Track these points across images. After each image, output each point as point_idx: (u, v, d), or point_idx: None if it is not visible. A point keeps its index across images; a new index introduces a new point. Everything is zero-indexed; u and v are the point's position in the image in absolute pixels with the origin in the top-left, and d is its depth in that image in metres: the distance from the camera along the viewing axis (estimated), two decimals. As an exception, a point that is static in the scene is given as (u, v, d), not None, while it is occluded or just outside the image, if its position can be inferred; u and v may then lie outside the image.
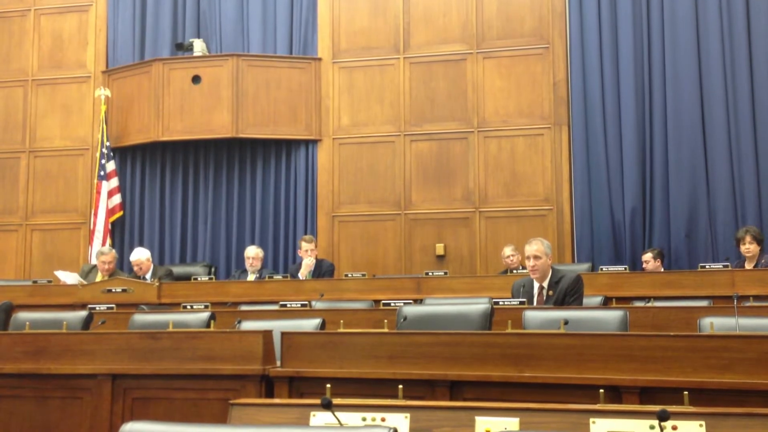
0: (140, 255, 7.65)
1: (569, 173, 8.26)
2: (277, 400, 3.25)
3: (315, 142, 8.90)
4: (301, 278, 7.35)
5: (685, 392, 2.49)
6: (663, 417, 2.11)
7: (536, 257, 5.29)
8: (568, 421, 2.40)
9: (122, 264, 9.01)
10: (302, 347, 3.53)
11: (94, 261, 8.16)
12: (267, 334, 3.66)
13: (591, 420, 2.37)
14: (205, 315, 4.72)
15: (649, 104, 8.11)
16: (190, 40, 9.10)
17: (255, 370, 3.53)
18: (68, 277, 7.47)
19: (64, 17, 9.65)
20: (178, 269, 8.14)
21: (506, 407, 2.50)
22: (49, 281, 7.59)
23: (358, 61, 8.91)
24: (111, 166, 9.01)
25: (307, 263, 7.52)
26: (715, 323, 3.76)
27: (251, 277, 7.76)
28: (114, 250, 8.08)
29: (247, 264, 7.87)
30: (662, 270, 7.28)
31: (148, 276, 7.51)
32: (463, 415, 2.49)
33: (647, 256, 7.38)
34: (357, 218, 8.74)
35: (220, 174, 9.06)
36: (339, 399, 2.54)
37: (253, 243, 8.46)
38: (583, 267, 7.37)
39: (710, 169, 7.90)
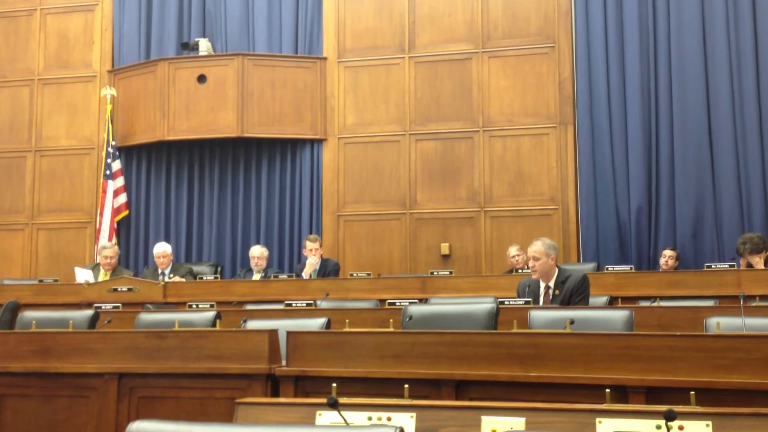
0: (165, 248, 7.97)
1: (575, 173, 8.25)
2: (283, 399, 3.26)
3: (320, 141, 8.90)
4: (304, 277, 7.35)
5: (692, 392, 2.49)
6: (670, 417, 2.11)
7: (535, 258, 5.30)
8: (574, 421, 2.39)
9: (128, 262, 9.05)
10: (308, 346, 3.53)
11: (96, 260, 8.23)
12: (272, 334, 3.66)
13: (597, 420, 2.37)
14: (211, 314, 4.72)
15: (655, 103, 8.10)
16: (196, 39, 9.11)
17: (261, 369, 3.53)
18: (85, 273, 7.57)
19: (70, 17, 9.67)
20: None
21: (512, 407, 2.50)
22: (56, 280, 7.63)
23: (364, 61, 8.91)
24: (117, 165, 9.03)
25: (311, 262, 7.52)
26: (721, 323, 3.75)
27: (256, 277, 7.78)
28: (116, 246, 8.22)
29: (252, 263, 7.89)
30: (674, 270, 7.27)
31: (167, 270, 7.78)
32: (469, 414, 2.49)
33: (671, 253, 7.35)
34: (362, 218, 8.74)
35: (225, 173, 9.07)
36: (345, 398, 2.54)
37: (258, 242, 8.48)
38: (589, 267, 7.37)
39: (716, 169, 7.88)
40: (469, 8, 8.71)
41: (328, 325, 4.42)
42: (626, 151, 8.10)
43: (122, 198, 9.08)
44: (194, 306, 5.52)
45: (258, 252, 7.90)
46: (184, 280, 7.58)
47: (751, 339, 3.04)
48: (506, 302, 5.06)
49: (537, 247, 5.32)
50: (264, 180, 8.98)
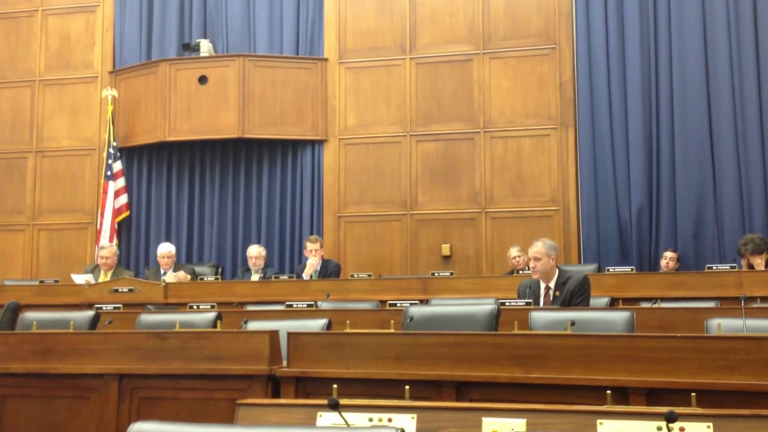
0: (169, 248, 8.00)
1: (575, 174, 8.25)
2: (283, 401, 3.25)
3: (321, 142, 8.90)
4: (304, 278, 7.35)
5: (693, 393, 2.49)
6: (671, 418, 2.10)
7: (536, 258, 5.31)
8: (575, 422, 2.39)
9: (129, 262, 9.05)
10: (308, 347, 3.53)
11: (96, 260, 8.25)
12: (273, 335, 3.66)
13: (598, 421, 2.36)
14: (212, 315, 4.72)
15: (655, 104, 8.10)
16: (197, 40, 9.12)
17: (262, 370, 3.53)
18: (82, 279, 7.55)
19: (72, 17, 9.67)
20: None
21: (513, 408, 2.50)
22: (56, 281, 7.62)
23: (365, 62, 8.91)
24: (118, 166, 9.03)
25: (311, 263, 7.52)
26: (722, 324, 3.75)
27: (255, 277, 7.79)
28: (114, 246, 8.25)
29: (250, 263, 7.90)
30: (674, 271, 7.27)
31: (170, 271, 7.78)
32: (470, 415, 2.49)
33: (671, 254, 7.37)
34: (363, 218, 8.74)
35: (226, 174, 9.07)
36: (345, 399, 2.53)
37: (259, 243, 8.46)
38: (590, 268, 7.37)
39: (717, 169, 7.88)
40: (470, 9, 8.71)
41: (328, 326, 4.42)
42: (627, 152, 8.10)
43: (123, 199, 9.08)
44: (195, 307, 5.52)
45: (256, 252, 7.91)
46: (185, 273, 7.57)
47: (752, 340, 3.04)
48: (507, 303, 5.06)
49: (538, 247, 5.33)
50: (265, 181, 8.98)
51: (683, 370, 3.00)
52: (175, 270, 7.84)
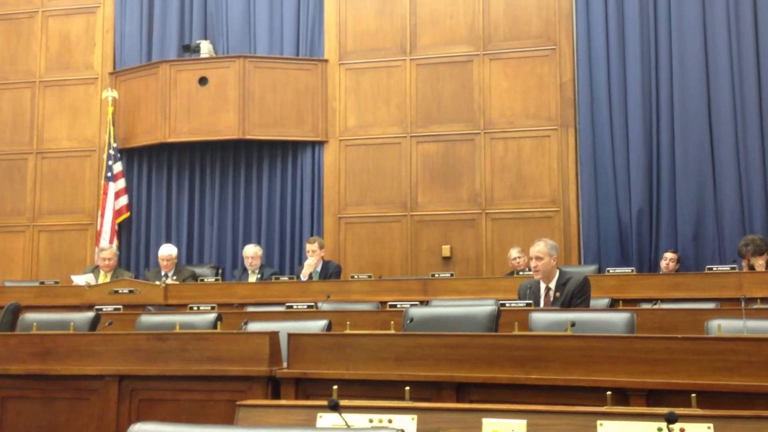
0: (171, 250, 7.95)
1: (576, 175, 8.25)
2: (283, 402, 3.25)
3: (321, 143, 8.90)
4: (302, 279, 7.35)
5: (693, 395, 2.49)
6: (671, 419, 2.11)
7: (538, 258, 5.31)
8: (575, 424, 2.39)
9: (129, 263, 9.05)
10: (309, 348, 3.53)
11: (96, 262, 8.24)
12: (273, 336, 3.67)
13: (598, 422, 2.37)
14: (212, 316, 4.72)
15: (656, 105, 8.09)
16: (197, 41, 9.11)
17: (262, 372, 3.53)
18: (81, 280, 7.55)
19: (72, 19, 9.68)
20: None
21: (513, 409, 2.50)
22: (57, 282, 7.62)
23: (365, 63, 8.91)
24: (118, 167, 9.03)
25: (309, 263, 7.50)
26: (722, 326, 3.74)
27: (252, 277, 7.79)
28: (114, 247, 8.25)
29: (247, 263, 7.91)
30: (675, 272, 7.27)
31: (170, 273, 7.79)
32: (470, 416, 2.49)
33: (671, 255, 7.38)
34: (363, 220, 8.74)
35: (226, 175, 9.07)
36: (346, 400, 2.54)
37: (259, 244, 8.45)
38: (590, 269, 7.36)
39: (717, 170, 7.87)
40: (471, 10, 8.71)
41: (329, 327, 4.42)
42: (627, 153, 8.09)
43: (123, 200, 9.08)
44: (195, 308, 5.52)
45: (252, 251, 7.91)
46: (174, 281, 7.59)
47: (752, 342, 3.04)
48: (507, 304, 5.06)
49: (539, 247, 5.32)
50: (265, 182, 8.98)
51: (683, 371, 3.00)
52: (176, 272, 7.84)
